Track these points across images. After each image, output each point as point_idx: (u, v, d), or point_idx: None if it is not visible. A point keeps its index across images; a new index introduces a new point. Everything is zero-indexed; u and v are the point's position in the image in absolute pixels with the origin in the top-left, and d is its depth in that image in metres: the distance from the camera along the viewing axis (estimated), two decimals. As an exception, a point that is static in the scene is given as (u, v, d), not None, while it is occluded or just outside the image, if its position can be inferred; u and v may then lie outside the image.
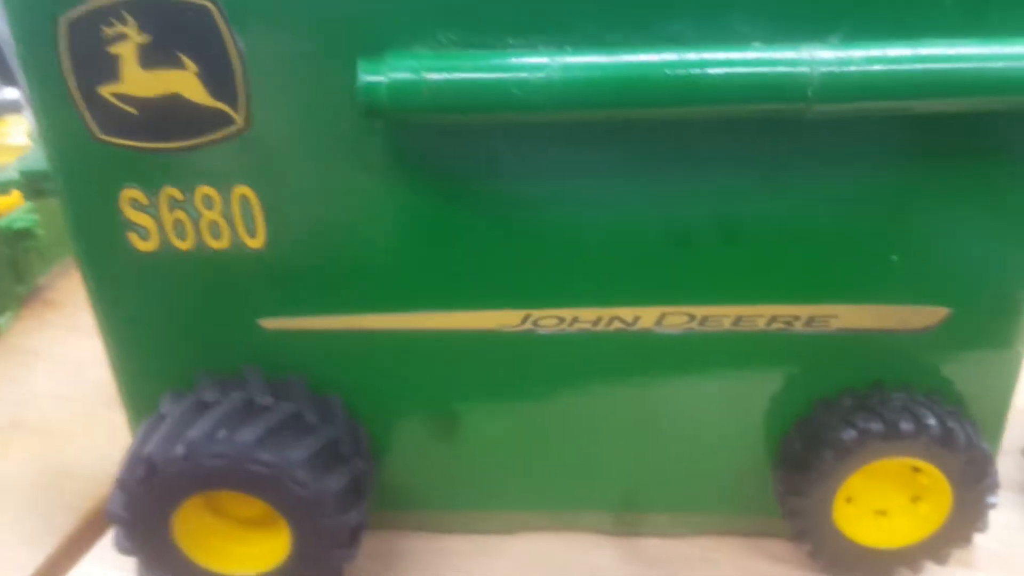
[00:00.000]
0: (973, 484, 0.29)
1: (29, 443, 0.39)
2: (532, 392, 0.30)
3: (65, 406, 0.41)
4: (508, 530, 0.34)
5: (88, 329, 0.46)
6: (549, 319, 0.28)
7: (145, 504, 0.27)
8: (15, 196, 0.56)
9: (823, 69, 0.22)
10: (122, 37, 0.25)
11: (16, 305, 0.38)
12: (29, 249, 0.45)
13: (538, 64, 0.23)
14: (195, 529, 0.29)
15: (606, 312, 0.28)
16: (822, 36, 0.24)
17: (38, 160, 0.33)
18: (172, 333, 0.29)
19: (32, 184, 0.32)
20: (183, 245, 0.27)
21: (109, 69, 0.25)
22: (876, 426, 0.28)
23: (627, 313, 0.28)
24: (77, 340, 0.45)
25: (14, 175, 0.33)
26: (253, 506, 0.29)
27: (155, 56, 0.25)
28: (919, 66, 0.23)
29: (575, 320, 0.28)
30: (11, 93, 0.71)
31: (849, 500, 0.30)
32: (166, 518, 0.28)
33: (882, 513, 0.30)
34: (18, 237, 0.44)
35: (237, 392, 0.28)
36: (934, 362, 0.29)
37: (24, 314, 0.47)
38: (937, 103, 0.23)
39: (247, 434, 0.26)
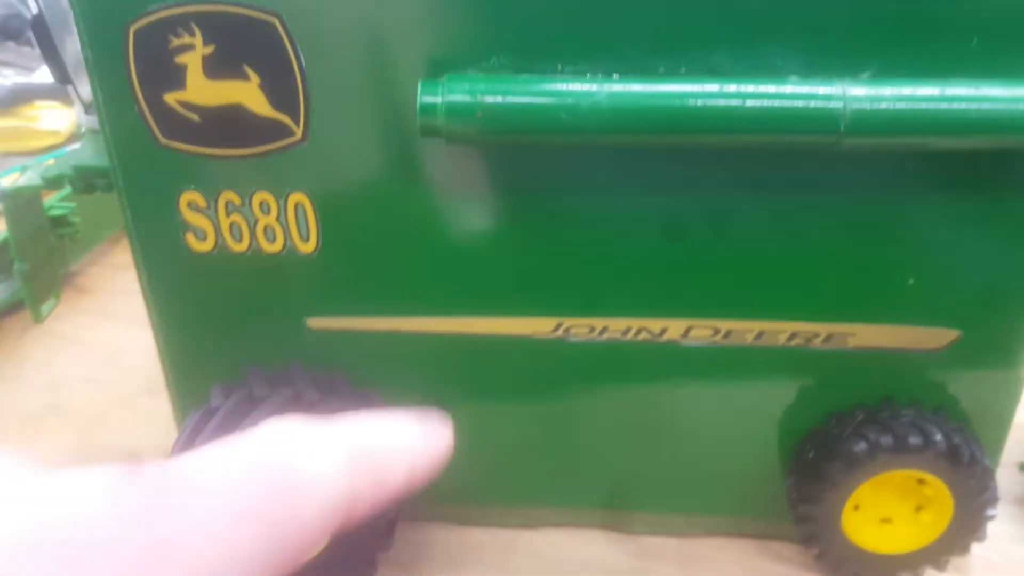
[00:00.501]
0: (974, 497, 0.30)
1: (66, 427, 0.40)
2: (559, 395, 0.32)
3: (100, 392, 0.42)
4: (529, 525, 0.35)
5: (120, 316, 0.48)
6: (580, 328, 0.30)
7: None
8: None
9: (855, 105, 0.24)
10: (188, 47, 0.26)
11: (58, 292, 0.40)
12: (65, 236, 0.46)
13: (586, 91, 0.24)
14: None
15: (635, 323, 0.30)
16: (855, 72, 0.25)
17: (89, 156, 0.35)
18: (223, 328, 0.30)
19: (84, 179, 0.34)
20: (238, 247, 0.29)
21: (175, 77, 0.26)
22: (886, 440, 0.30)
23: (655, 324, 0.30)
24: (110, 326, 0.46)
25: (68, 170, 0.34)
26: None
27: (219, 67, 0.26)
28: (945, 105, 0.24)
29: (605, 329, 0.30)
30: (41, 76, 0.72)
31: (857, 508, 0.31)
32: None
33: (887, 521, 0.32)
34: (55, 224, 0.45)
35: (286, 387, 0.29)
36: (942, 380, 0.30)
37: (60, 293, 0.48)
38: (960, 141, 0.25)
39: (295, 428, 0.28)
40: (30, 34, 0.83)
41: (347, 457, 0.20)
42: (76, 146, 0.61)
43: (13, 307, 0.47)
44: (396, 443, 0.22)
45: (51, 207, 0.46)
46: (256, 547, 0.17)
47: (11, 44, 0.81)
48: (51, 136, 0.63)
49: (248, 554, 0.17)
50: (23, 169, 0.36)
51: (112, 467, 0.16)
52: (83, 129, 0.36)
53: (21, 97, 0.65)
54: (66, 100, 0.64)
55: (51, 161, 0.58)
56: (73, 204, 0.47)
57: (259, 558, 0.17)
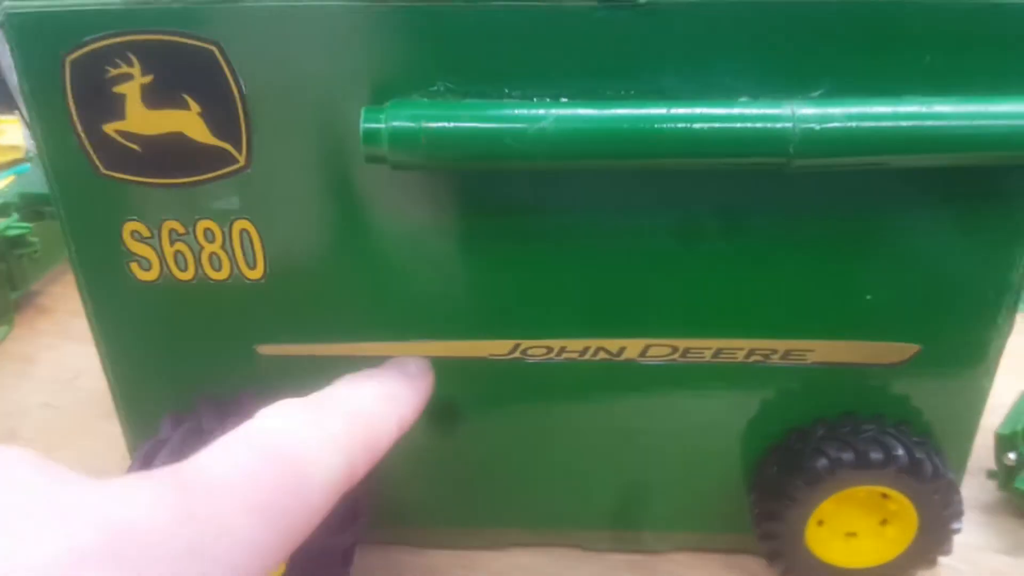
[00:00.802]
0: (939, 511, 0.30)
1: (23, 454, 0.39)
2: (519, 416, 0.31)
3: (59, 417, 0.41)
4: (494, 546, 0.35)
5: (81, 336, 0.46)
6: (537, 349, 0.29)
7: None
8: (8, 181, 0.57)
9: (804, 125, 0.23)
10: (127, 77, 0.25)
11: (11, 316, 0.39)
12: (23, 256, 0.46)
13: (533, 116, 0.24)
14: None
15: (592, 343, 0.29)
16: (806, 91, 0.25)
17: (37, 183, 0.34)
18: (171, 358, 0.30)
19: (31, 207, 0.33)
20: (184, 276, 0.28)
21: (113, 107, 0.26)
22: (847, 455, 0.29)
23: (613, 344, 0.29)
24: (70, 347, 0.46)
25: (13, 198, 0.33)
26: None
27: (159, 96, 0.25)
28: (897, 123, 0.24)
29: (563, 350, 0.29)
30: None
31: (821, 523, 0.31)
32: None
33: (852, 535, 0.32)
34: (12, 245, 0.44)
35: (236, 418, 0.29)
36: (904, 394, 0.30)
37: (17, 320, 0.47)
38: (914, 159, 0.24)
39: (245, 461, 0.27)
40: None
41: (344, 432, 0.22)
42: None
43: (-30, 330, 0.47)
44: (385, 403, 0.25)
45: (8, 227, 0.45)
46: (270, 534, 0.19)
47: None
48: (12, 151, 0.62)
49: (264, 541, 0.19)
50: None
51: (150, 474, 0.19)
52: (31, 154, 0.36)
53: (-20, 112, 0.64)
54: (26, 114, 0.63)
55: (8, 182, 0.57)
56: (30, 224, 0.46)
57: (273, 542, 0.19)
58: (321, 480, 0.21)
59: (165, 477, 0.19)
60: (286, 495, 0.20)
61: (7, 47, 0.33)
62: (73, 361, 0.45)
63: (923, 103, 0.24)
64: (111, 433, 0.40)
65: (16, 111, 0.35)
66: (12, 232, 0.45)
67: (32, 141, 0.35)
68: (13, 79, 0.33)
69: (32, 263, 0.48)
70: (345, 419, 0.23)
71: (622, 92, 0.25)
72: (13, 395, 0.43)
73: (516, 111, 0.24)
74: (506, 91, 0.25)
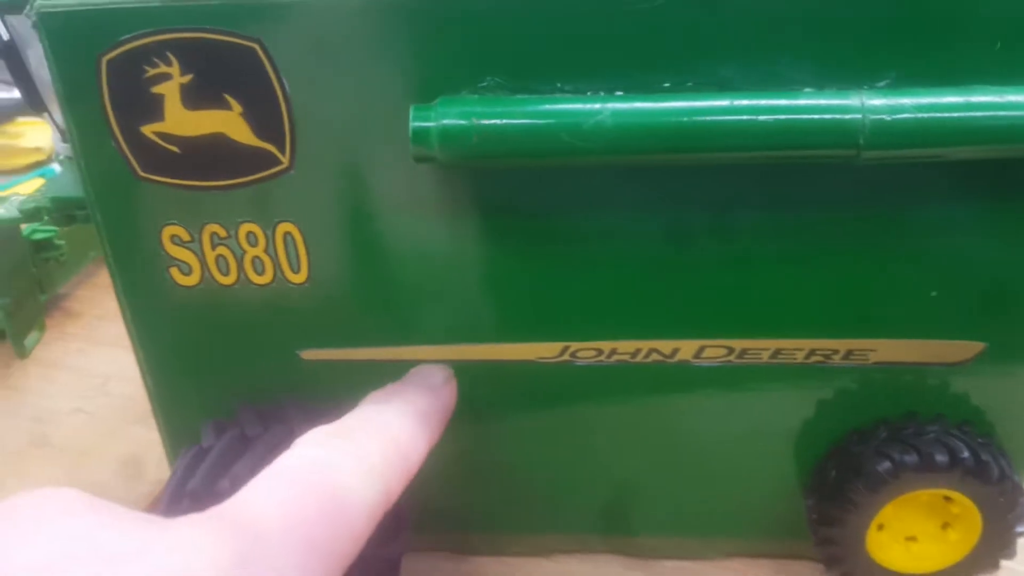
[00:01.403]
0: (1003, 514, 0.29)
1: (55, 462, 0.39)
2: (567, 420, 0.30)
3: (90, 422, 0.41)
4: (538, 553, 0.34)
5: (110, 340, 0.46)
6: (587, 351, 0.29)
7: (188, 538, 0.27)
8: (36, 184, 0.57)
9: (875, 117, 0.22)
10: (165, 77, 0.24)
11: (43, 321, 0.38)
12: (50, 259, 0.45)
13: (589, 110, 0.23)
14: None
15: (644, 344, 0.28)
16: (871, 81, 0.24)
17: (68, 186, 0.33)
18: (212, 364, 0.29)
19: (63, 211, 0.32)
20: (225, 280, 0.27)
21: (152, 108, 0.25)
22: (911, 458, 0.28)
23: (665, 346, 0.28)
24: (99, 352, 0.45)
25: (45, 202, 0.33)
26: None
27: (199, 96, 0.24)
28: (968, 114, 0.23)
29: (613, 352, 0.29)
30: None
31: (881, 527, 0.30)
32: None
33: (912, 539, 0.31)
34: (39, 248, 0.44)
35: (279, 425, 0.28)
36: (967, 394, 0.29)
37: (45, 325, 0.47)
38: (985, 150, 0.23)
39: (291, 470, 0.26)
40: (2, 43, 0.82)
41: (380, 459, 0.23)
42: (57, 166, 0.60)
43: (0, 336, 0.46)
44: (415, 423, 0.25)
45: (34, 231, 0.45)
46: (318, 567, 0.19)
47: (-9, 57, 0.80)
48: (34, 153, 0.62)
49: (313, 574, 0.19)
50: (0, 200, 0.34)
51: (202, 519, 0.19)
52: (61, 156, 0.35)
53: (2, 114, 0.63)
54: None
55: (36, 185, 0.57)
56: (56, 227, 0.45)
57: (321, 573, 0.20)
58: (362, 509, 0.21)
59: (217, 522, 0.19)
60: (331, 528, 0.20)
61: (38, 47, 0.32)
62: (103, 365, 0.44)
63: (995, 92, 0.23)
64: (143, 438, 0.40)
65: (45, 113, 0.34)
66: (39, 236, 0.45)
67: (63, 144, 0.35)
68: (45, 77, 0.33)
69: (59, 267, 0.47)
70: (380, 446, 0.23)
71: (679, 84, 0.24)
72: (45, 400, 0.42)
73: (572, 105, 0.23)
74: (558, 85, 0.24)
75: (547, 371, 0.29)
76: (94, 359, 0.45)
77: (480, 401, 0.30)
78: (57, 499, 0.19)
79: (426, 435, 0.25)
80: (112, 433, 0.40)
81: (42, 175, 0.58)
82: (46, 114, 0.34)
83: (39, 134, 0.63)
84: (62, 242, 0.45)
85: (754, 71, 0.24)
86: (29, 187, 0.57)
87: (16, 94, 0.71)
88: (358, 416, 0.25)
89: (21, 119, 0.64)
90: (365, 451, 0.23)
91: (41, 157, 0.62)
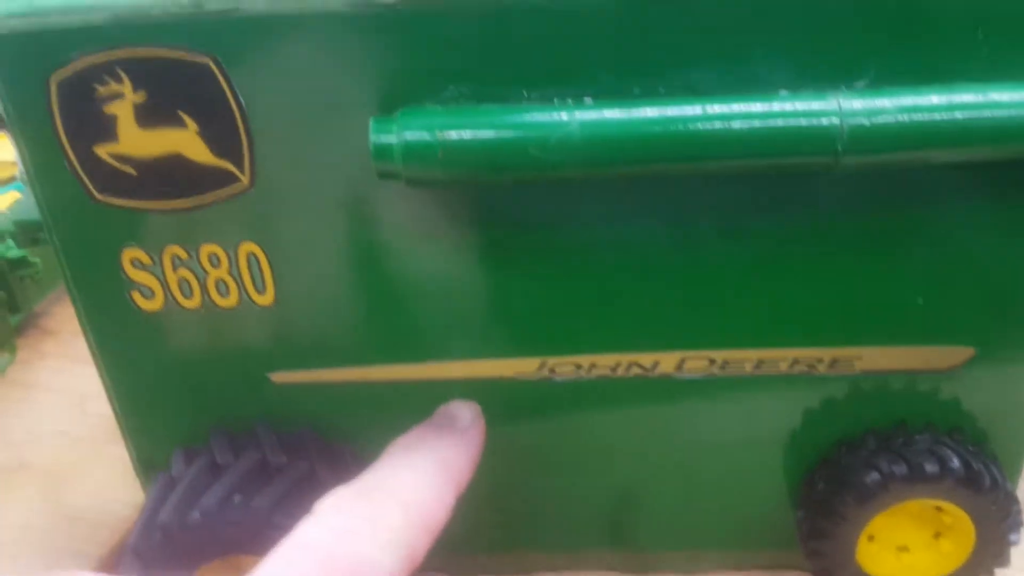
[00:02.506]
0: (996, 523, 0.28)
1: (35, 485, 0.38)
2: (549, 437, 0.29)
3: (70, 444, 0.40)
4: (524, 570, 0.33)
5: (87, 358, 0.45)
6: (566, 366, 0.28)
7: (160, 570, 0.27)
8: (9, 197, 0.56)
9: (853, 121, 0.21)
10: (117, 96, 0.24)
11: (13, 344, 0.37)
12: (25, 278, 0.44)
13: (557, 121, 0.22)
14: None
15: (624, 358, 0.27)
16: (849, 81, 0.23)
17: (32, 209, 0.32)
18: (180, 389, 0.28)
19: (27, 234, 0.32)
20: (189, 303, 0.26)
21: (105, 129, 0.24)
22: (900, 469, 0.27)
23: (646, 359, 0.27)
24: (78, 370, 0.44)
25: (8, 226, 0.32)
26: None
27: (153, 114, 0.24)
28: (952, 115, 0.22)
29: (592, 367, 0.28)
30: None
31: (871, 539, 0.29)
32: (184, 581, 0.27)
33: (904, 549, 0.30)
34: (13, 267, 0.43)
35: (250, 451, 0.27)
36: (957, 400, 0.28)
37: (21, 344, 0.46)
38: (969, 152, 0.22)
39: (262, 499, 0.26)
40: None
41: (404, 524, 0.22)
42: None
43: (-27, 356, 0.45)
44: (440, 477, 0.24)
45: (9, 248, 0.44)
46: None
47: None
48: (9, 167, 0.60)
49: None
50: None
51: None
52: (24, 178, 0.34)
53: (-23, 127, 0.62)
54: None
55: (12, 198, 0.56)
56: (13, 243, 0.44)
57: None
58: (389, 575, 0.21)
59: None
60: None
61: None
62: (81, 384, 0.43)
63: (978, 91, 0.22)
64: (124, 459, 0.39)
65: (3, 130, 0.33)
66: (12, 254, 0.44)
67: (22, 166, 0.34)
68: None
69: (34, 284, 0.46)
70: (403, 510, 0.22)
71: (650, 89, 0.23)
72: (23, 423, 0.41)
73: (540, 116, 0.22)
74: (524, 93, 0.23)
75: (526, 388, 0.28)
76: (72, 378, 0.44)
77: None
78: None
79: (452, 487, 0.24)
80: (91, 455, 0.39)
81: (18, 188, 0.57)
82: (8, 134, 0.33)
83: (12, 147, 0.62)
84: (36, 259, 0.44)
85: (728, 73, 0.23)
86: (4, 200, 0.56)
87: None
88: (379, 475, 0.24)
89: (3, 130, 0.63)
90: (387, 517, 0.22)
91: (16, 171, 0.60)
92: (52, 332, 0.47)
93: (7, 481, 0.39)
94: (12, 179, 0.60)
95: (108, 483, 0.38)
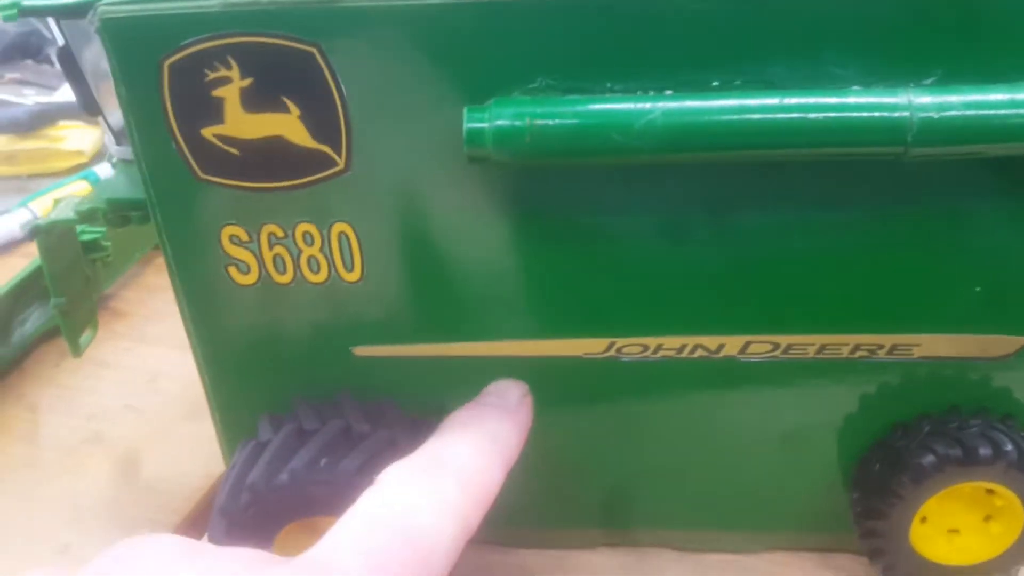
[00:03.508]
0: (1048, 506, 0.29)
1: (108, 458, 0.40)
2: (613, 415, 0.31)
3: (140, 419, 0.42)
4: (584, 545, 0.34)
5: (156, 339, 0.47)
6: (633, 347, 0.29)
7: (246, 530, 0.28)
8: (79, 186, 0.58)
9: (922, 114, 0.23)
10: (225, 80, 0.25)
11: (96, 320, 0.39)
12: (97, 260, 0.46)
13: (640, 110, 0.23)
14: (294, 552, 0.29)
15: (690, 340, 0.29)
16: (918, 78, 0.24)
17: (121, 187, 0.34)
18: (268, 360, 0.30)
19: (118, 212, 0.33)
20: (282, 279, 0.28)
21: (212, 111, 0.25)
22: (955, 452, 0.29)
23: (711, 342, 0.29)
24: (147, 351, 0.46)
25: (101, 204, 0.33)
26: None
27: (258, 99, 0.25)
28: (1016, 111, 0.23)
29: (659, 348, 0.29)
30: (63, 95, 0.72)
31: (924, 520, 0.31)
32: (267, 544, 0.29)
33: (955, 532, 0.31)
34: (87, 249, 0.45)
35: (335, 419, 0.29)
36: (1010, 387, 0.29)
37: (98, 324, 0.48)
38: (1033, 146, 0.24)
39: (349, 462, 0.27)
40: (49, 51, 0.83)
41: (459, 495, 0.23)
42: (102, 166, 0.61)
43: (48, 334, 0.47)
44: (491, 451, 0.25)
45: (82, 232, 0.46)
46: None
47: (30, 62, 0.81)
48: (76, 156, 0.63)
49: None
50: (55, 202, 0.35)
51: (296, 567, 0.21)
52: (114, 160, 0.36)
53: (44, 118, 0.65)
54: (89, 119, 0.64)
55: (79, 188, 0.58)
56: (103, 228, 0.46)
57: None
58: (442, 549, 0.22)
59: (309, 568, 0.21)
60: (416, 572, 0.21)
61: (93, 50, 0.33)
62: (151, 364, 0.45)
63: (1043, 88, 0.23)
64: (193, 433, 0.41)
65: (100, 118, 0.35)
66: (86, 237, 0.46)
67: (116, 147, 0.35)
68: (99, 79, 0.34)
69: (106, 267, 0.48)
70: (458, 481, 0.24)
71: (728, 83, 0.24)
72: (96, 398, 0.43)
73: (623, 105, 0.24)
74: (608, 85, 0.25)
75: (593, 367, 0.30)
76: (142, 357, 0.46)
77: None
78: (156, 548, 0.21)
79: (502, 461, 0.26)
80: (163, 430, 0.41)
81: (84, 178, 0.59)
82: (100, 118, 0.35)
83: (80, 137, 0.64)
84: (108, 243, 0.46)
85: (801, 69, 0.24)
86: (72, 190, 0.58)
87: (55, 97, 0.73)
88: (436, 449, 0.25)
89: (63, 122, 0.65)
90: (444, 489, 0.23)
91: (83, 160, 0.63)
92: (122, 313, 0.49)
93: (84, 453, 0.40)
94: (78, 168, 0.63)
95: (180, 456, 0.40)
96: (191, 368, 0.31)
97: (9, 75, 0.78)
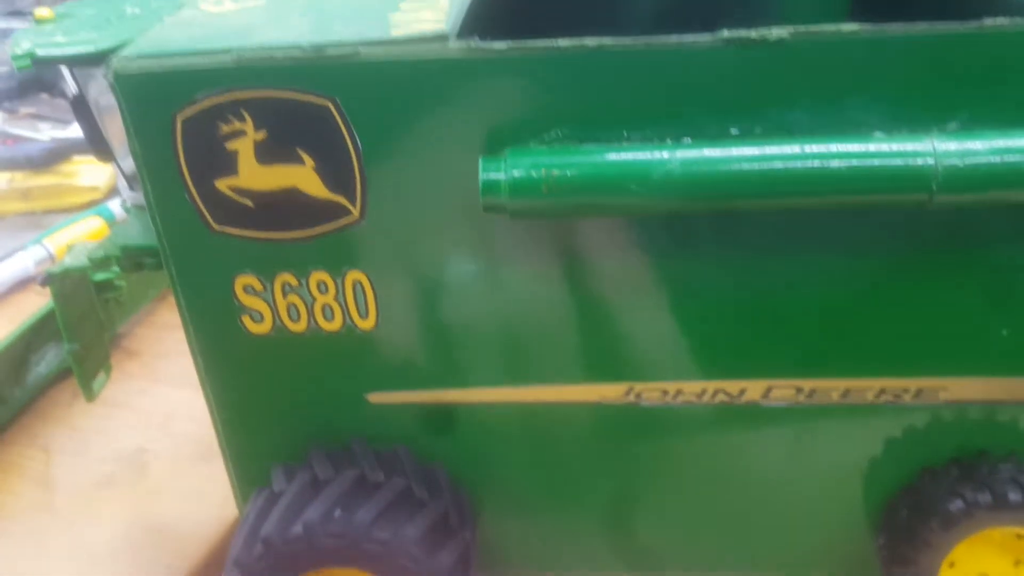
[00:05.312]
0: (1081, 552, 0.29)
1: (121, 502, 0.39)
2: (632, 460, 0.30)
3: (154, 462, 0.41)
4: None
5: (169, 379, 0.47)
6: (652, 392, 0.29)
7: (262, 582, 0.28)
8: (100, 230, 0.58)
9: (947, 162, 0.22)
10: (239, 134, 0.25)
11: (109, 363, 0.39)
12: (110, 300, 0.46)
13: (658, 160, 0.23)
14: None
15: (711, 385, 0.28)
16: (940, 123, 0.24)
17: (135, 234, 0.34)
18: (282, 408, 0.30)
19: (132, 259, 0.33)
20: (296, 327, 0.28)
21: (226, 164, 0.25)
22: (984, 497, 0.28)
23: (733, 386, 0.28)
24: (160, 391, 0.46)
25: (114, 251, 0.33)
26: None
27: (272, 151, 0.25)
28: (1042, 156, 0.23)
29: (679, 393, 0.29)
30: (77, 130, 0.72)
31: (952, 565, 0.30)
32: (282, 595, 0.28)
33: (985, 577, 0.31)
34: (100, 289, 0.45)
35: (349, 468, 0.28)
36: (1039, 431, 0.29)
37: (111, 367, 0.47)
38: (1059, 191, 0.23)
39: (363, 514, 0.27)
40: (64, 86, 0.83)
41: None
42: (116, 201, 0.61)
43: (62, 374, 0.47)
44: None
45: (97, 273, 0.46)
46: None
47: (44, 97, 0.81)
48: (90, 192, 0.63)
49: None
50: (68, 247, 0.35)
51: None
52: (128, 204, 0.36)
53: (59, 154, 0.65)
54: (102, 155, 0.64)
55: (93, 223, 0.58)
56: (117, 268, 0.46)
57: None
58: None
59: None
60: None
61: (106, 98, 0.33)
62: (164, 404, 0.45)
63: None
64: (207, 476, 0.40)
65: (113, 164, 0.35)
66: (100, 277, 0.46)
67: (129, 192, 0.35)
68: (118, 128, 0.33)
69: (118, 307, 0.48)
70: None
71: (747, 130, 0.24)
72: (109, 440, 0.43)
73: (640, 154, 0.23)
74: (624, 133, 0.24)
75: (612, 412, 0.29)
76: (154, 398, 0.45)
77: (545, 442, 0.30)
78: None
79: None
80: (176, 472, 0.41)
81: (98, 213, 0.59)
82: (113, 164, 0.35)
83: (94, 173, 0.64)
84: (122, 283, 0.46)
85: (822, 116, 0.24)
86: (86, 226, 0.58)
87: (70, 131, 0.73)
88: None
89: (77, 158, 0.65)
90: None
91: (97, 195, 0.63)
92: (135, 353, 0.49)
93: (96, 497, 0.40)
94: (92, 204, 0.63)
95: (193, 500, 0.39)
96: (204, 408, 0.30)
97: (24, 110, 0.79)
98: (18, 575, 0.37)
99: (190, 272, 0.27)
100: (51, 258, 0.57)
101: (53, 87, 0.81)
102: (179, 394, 0.45)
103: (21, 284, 0.56)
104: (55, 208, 0.63)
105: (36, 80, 0.82)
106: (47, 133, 0.73)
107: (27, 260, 0.56)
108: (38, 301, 0.51)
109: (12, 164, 0.66)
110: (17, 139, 0.73)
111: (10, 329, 0.45)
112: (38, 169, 0.65)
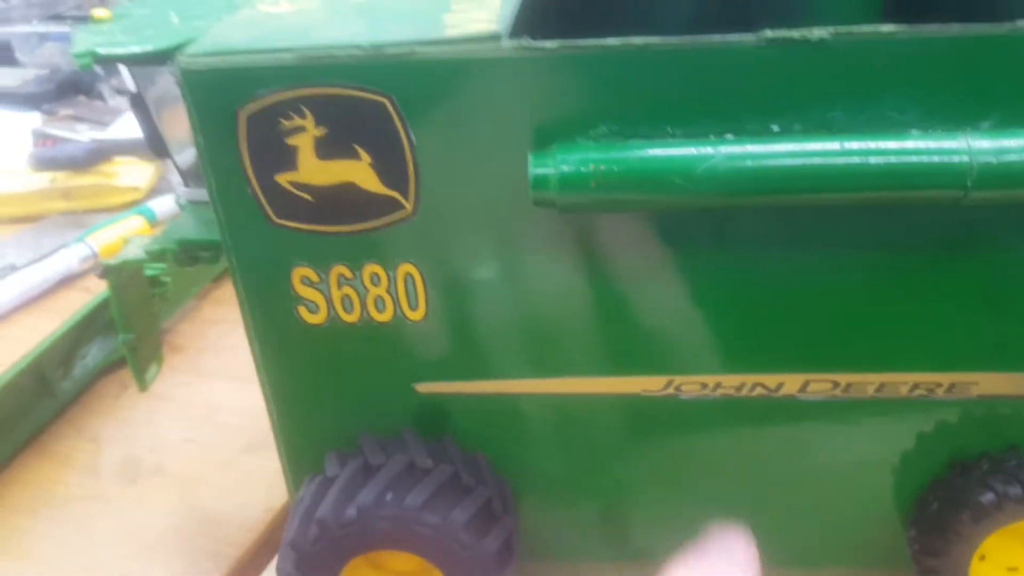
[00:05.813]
0: (1110, 545, 0.29)
1: (170, 490, 0.41)
2: (671, 452, 0.31)
3: (200, 452, 0.43)
4: (641, 580, 0.35)
5: (214, 373, 0.48)
6: (692, 385, 0.30)
7: (314, 563, 0.29)
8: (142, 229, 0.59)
9: (982, 159, 0.23)
10: (300, 130, 0.26)
11: (161, 355, 0.40)
12: (156, 296, 0.47)
13: (702, 155, 0.24)
14: (358, 585, 0.30)
15: (749, 379, 0.29)
16: (974, 121, 0.24)
17: (190, 229, 0.35)
18: (334, 397, 0.31)
19: (188, 253, 0.34)
20: (349, 318, 0.29)
21: (287, 159, 0.27)
22: (1015, 490, 0.29)
23: (770, 380, 0.29)
24: (204, 385, 0.47)
25: (171, 244, 0.35)
26: (411, 560, 0.30)
27: (331, 147, 0.26)
28: (1076, 154, 0.23)
29: (718, 386, 0.29)
30: (116, 130, 0.74)
31: (983, 558, 0.31)
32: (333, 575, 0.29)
33: (1014, 570, 0.31)
34: (149, 285, 0.46)
35: (399, 455, 0.30)
36: (1071, 425, 0.30)
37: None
38: (1092, 188, 0.24)
39: (414, 498, 0.28)
40: (101, 87, 0.85)
41: None
42: (156, 201, 0.63)
43: (109, 368, 0.48)
44: None
45: (144, 267, 0.47)
46: None
47: (83, 99, 0.83)
48: (131, 192, 0.64)
49: None
50: (124, 241, 0.37)
51: None
52: (182, 201, 0.37)
53: (100, 154, 0.66)
54: (144, 155, 0.65)
55: (134, 223, 0.59)
56: (164, 264, 0.47)
57: None
58: None
59: None
60: None
61: (159, 92, 0.34)
62: (208, 397, 0.46)
63: (1101, 131, 0.23)
64: (251, 466, 0.41)
65: (167, 161, 0.36)
66: (148, 273, 0.47)
67: (184, 188, 0.37)
68: (174, 125, 0.35)
69: (163, 302, 0.49)
70: None
71: (787, 127, 0.25)
72: (156, 431, 0.44)
73: (684, 150, 0.24)
74: (668, 130, 0.25)
75: (652, 404, 0.30)
76: (199, 391, 0.47)
77: (586, 434, 0.31)
78: None
79: None
80: (222, 463, 0.42)
81: (140, 213, 0.61)
82: (168, 160, 0.36)
83: (135, 173, 0.65)
84: (168, 279, 0.48)
85: (860, 114, 0.25)
86: (128, 225, 0.60)
87: (109, 132, 0.75)
88: None
89: (118, 158, 0.67)
90: None
91: (138, 196, 0.64)
92: (180, 348, 0.50)
93: (145, 486, 0.41)
94: (133, 203, 0.64)
95: (239, 488, 0.40)
96: (248, 401, 0.32)
97: (64, 111, 0.81)
98: (70, 562, 0.38)
99: (250, 264, 0.29)
100: (94, 255, 0.58)
101: (91, 89, 0.83)
102: (222, 387, 0.46)
103: (65, 281, 0.58)
104: (96, 208, 0.65)
105: (74, 82, 0.85)
106: (86, 134, 0.75)
107: (71, 257, 0.58)
108: (82, 297, 0.52)
109: (54, 164, 0.68)
110: (56, 140, 0.75)
111: (56, 324, 0.47)
112: (80, 169, 0.66)
